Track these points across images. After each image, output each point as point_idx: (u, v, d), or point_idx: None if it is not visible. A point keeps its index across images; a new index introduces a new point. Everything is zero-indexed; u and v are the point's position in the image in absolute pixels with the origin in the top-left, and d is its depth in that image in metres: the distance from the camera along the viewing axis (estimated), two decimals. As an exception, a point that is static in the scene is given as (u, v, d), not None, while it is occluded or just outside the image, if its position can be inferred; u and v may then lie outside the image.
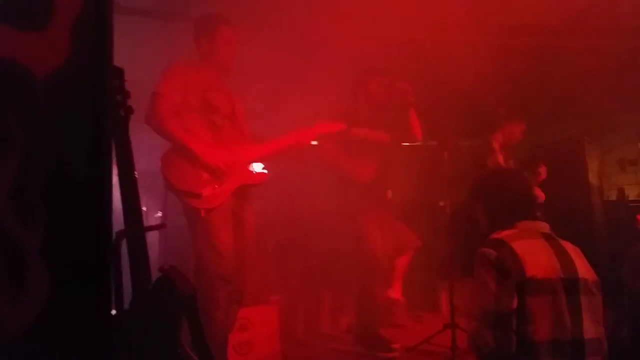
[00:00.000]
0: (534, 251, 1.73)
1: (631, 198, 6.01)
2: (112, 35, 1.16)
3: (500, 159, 4.10)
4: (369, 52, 4.03)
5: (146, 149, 2.70)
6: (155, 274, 1.44)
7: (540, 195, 4.29)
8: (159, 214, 4.85)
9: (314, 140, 2.76)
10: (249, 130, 2.75)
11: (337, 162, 3.32)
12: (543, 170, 4.34)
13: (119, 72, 1.35)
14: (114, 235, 1.34)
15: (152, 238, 3.42)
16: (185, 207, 2.40)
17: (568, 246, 1.81)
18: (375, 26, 4.10)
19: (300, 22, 4.08)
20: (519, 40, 4.66)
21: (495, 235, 1.81)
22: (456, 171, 3.57)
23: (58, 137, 1.05)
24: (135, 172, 1.45)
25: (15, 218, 0.95)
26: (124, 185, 1.38)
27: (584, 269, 1.75)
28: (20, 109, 0.99)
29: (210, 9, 3.63)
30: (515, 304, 1.67)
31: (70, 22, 1.07)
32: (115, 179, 1.45)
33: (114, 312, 1.31)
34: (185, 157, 2.37)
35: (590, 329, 1.68)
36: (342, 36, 4.06)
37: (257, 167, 5.57)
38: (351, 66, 3.75)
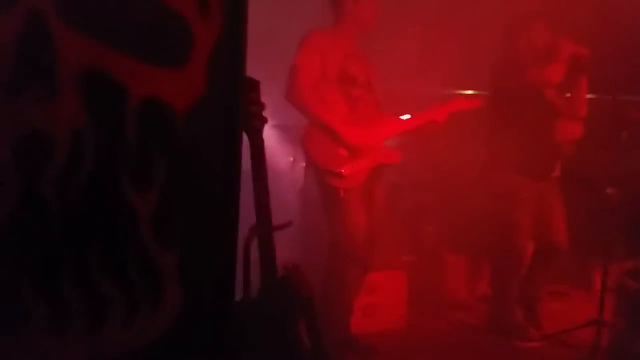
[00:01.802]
0: None
1: None
2: (246, 61, 1.22)
3: None
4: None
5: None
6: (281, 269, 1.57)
7: None
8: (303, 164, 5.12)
9: (447, 117, 2.61)
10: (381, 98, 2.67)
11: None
12: None
13: (255, 85, 1.42)
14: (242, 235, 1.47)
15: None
16: (324, 185, 2.45)
17: None
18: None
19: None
20: None
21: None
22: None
23: (195, 164, 1.16)
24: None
25: (157, 240, 1.09)
26: (257, 190, 1.49)
27: None
28: (163, 142, 1.11)
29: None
30: None
31: (207, 56, 1.15)
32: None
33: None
34: (325, 133, 2.40)
35: None
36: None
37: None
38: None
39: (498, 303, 3.11)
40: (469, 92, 5.12)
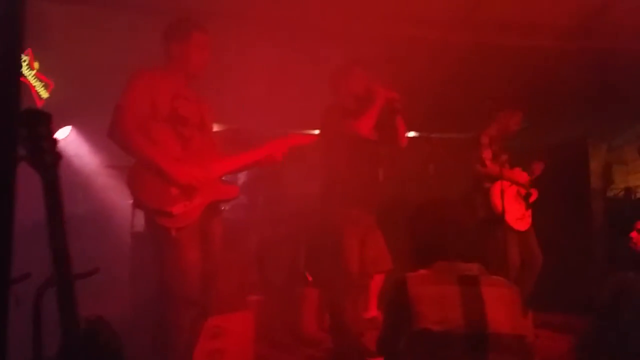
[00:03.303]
0: (436, 299, 1.58)
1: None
2: (20, 92, 1.09)
3: (488, 154, 3.96)
4: (360, 47, 3.92)
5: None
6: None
7: (533, 193, 4.21)
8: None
9: (284, 153, 2.66)
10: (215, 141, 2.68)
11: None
12: (538, 167, 4.22)
13: (46, 118, 1.29)
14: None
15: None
16: (153, 226, 2.30)
17: (492, 294, 1.62)
18: (368, 22, 3.98)
19: (295, 17, 3.97)
20: (519, 40, 4.50)
21: (408, 273, 1.68)
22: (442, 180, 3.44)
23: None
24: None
25: None
26: (52, 233, 1.33)
27: (502, 323, 1.57)
28: None
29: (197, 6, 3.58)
30: (400, 351, 1.57)
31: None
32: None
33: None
34: (153, 172, 2.27)
35: None
36: (334, 32, 3.96)
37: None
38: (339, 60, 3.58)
39: (337, 331, 3.19)
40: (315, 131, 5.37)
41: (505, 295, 1.66)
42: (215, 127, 5.64)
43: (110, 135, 2.30)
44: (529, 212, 4.19)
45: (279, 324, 3.88)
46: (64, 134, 4.52)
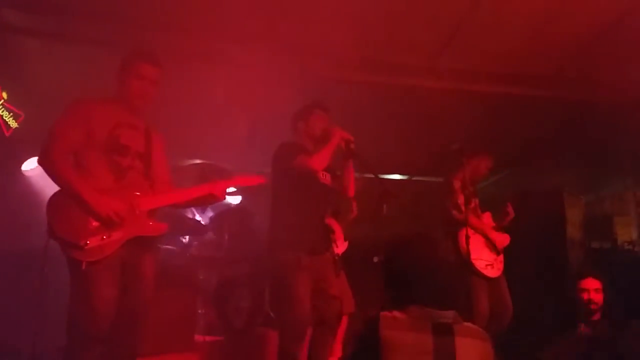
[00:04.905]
0: (408, 348, 1.52)
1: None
2: None
3: (461, 199, 3.89)
4: (329, 90, 3.95)
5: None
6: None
7: (504, 238, 4.12)
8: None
9: (229, 192, 2.61)
10: (167, 173, 2.64)
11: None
12: (510, 210, 4.13)
13: None
14: None
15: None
16: (67, 258, 2.24)
17: (466, 345, 1.57)
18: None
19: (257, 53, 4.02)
20: (500, 89, 4.53)
21: (382, 313, 1.59)
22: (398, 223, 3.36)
23: None
24: None
25: None
26: None
27: None
28: None
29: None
30: None
31: None
32: None
33: None
34: (75, 202, 2.24)
35: None
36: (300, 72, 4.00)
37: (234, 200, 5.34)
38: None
39: None
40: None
41: (479, 347, 1.61)
42: (189, 162, 5.64)
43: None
44: (500, 258, 4.09)
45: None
46: (31, 166, 4.52)
